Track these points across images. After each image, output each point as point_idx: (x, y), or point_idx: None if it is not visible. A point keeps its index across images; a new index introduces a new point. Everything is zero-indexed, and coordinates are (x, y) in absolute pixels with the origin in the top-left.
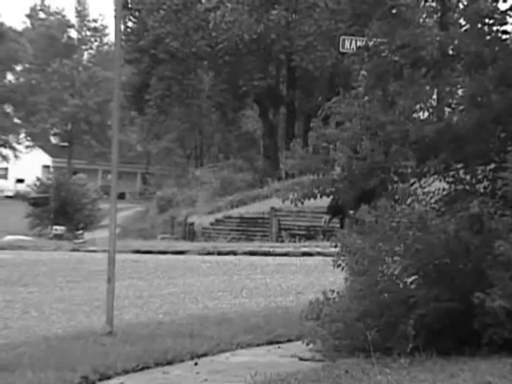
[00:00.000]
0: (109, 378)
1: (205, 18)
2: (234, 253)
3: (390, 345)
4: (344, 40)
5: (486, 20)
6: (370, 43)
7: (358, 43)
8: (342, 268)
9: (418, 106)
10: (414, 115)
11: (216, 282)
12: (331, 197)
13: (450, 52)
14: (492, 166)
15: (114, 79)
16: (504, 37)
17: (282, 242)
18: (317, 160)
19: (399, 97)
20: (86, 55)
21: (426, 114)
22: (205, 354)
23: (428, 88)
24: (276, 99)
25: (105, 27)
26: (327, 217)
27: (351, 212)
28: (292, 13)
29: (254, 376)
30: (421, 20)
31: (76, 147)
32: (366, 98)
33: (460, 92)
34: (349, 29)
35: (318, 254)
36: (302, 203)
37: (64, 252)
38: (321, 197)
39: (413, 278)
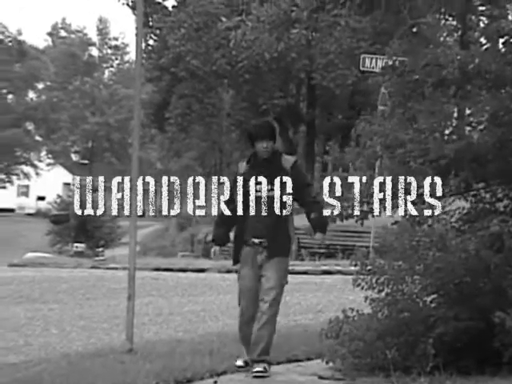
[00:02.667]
0: None
1: (225, 37)
2: None
3: (409, 364)
4: (364, 58)
5: (507, 38)
6: (397, 63)
7: (379, 62)
8: (362, 287)
9: (439, 125)
10: (435, 134)
11: (235, 300)
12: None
13: (471, 71)
14: None
15: (135, 97)
16: None
17: (302, 260)
18: None
19: (420, 115)
20: (106, 73)
21: (447, 132)
22: (224, 372)
23: (449, 106)
24: (296, 118)
25: (126, 45)
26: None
27: None
28: (312, 31)
29: None
30: (441, 39)
31: (96, 165)
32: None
33: (481, 111)
34: (370, 47)
35: (338, 272)
36: None
37: (84, 269)
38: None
39: (432, 296)
